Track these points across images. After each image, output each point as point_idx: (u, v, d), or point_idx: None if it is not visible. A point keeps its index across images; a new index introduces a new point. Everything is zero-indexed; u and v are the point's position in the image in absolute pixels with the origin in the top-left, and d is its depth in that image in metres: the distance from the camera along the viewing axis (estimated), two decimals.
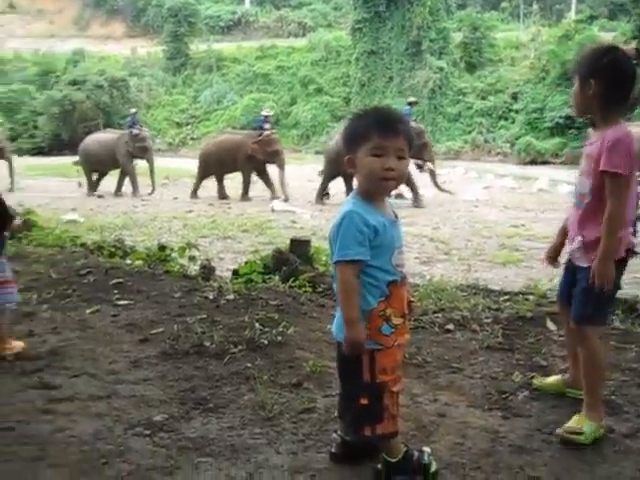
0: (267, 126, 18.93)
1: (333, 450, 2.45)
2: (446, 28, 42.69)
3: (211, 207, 16.09)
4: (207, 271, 5.99)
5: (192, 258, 6.20)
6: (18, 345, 3.65)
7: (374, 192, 2.28)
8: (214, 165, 18.54)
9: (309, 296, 4.86)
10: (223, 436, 2.65)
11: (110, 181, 20.52)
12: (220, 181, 18.94)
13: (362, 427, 2.26)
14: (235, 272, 6.08)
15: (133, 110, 23.73)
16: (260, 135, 18.37)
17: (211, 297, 4.80)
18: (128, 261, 6.32)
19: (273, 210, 15.06)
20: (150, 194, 19.14)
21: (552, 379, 3.13)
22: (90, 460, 2.44)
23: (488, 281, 6.79)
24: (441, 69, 41.00)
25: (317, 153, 33.89)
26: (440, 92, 40.78)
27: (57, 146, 45.40)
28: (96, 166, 20.66)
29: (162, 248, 6.66)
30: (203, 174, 19.01)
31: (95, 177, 20.98)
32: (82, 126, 46.01)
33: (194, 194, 18.80)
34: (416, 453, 2.31)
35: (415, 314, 4.17)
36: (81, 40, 62.42)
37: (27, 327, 4.11)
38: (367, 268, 2.20)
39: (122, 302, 4.71)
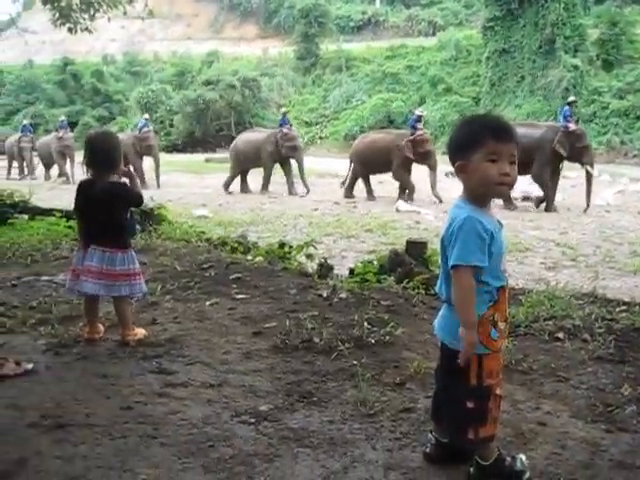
0: (419, 126, 18.18)
1: (427, 450, 2.48)
2: (582, 24, 40.81)
3: (337, 206, 16.25)
4: (324, 269, 6.12)
5: (309, 256, 6.35)
6: (141, 332, 3.89)
7: (487, 197, 2.31)
8: (367, 164, 18.10)
9: (422, 298, 4.87)
10: (323, 429, 2.74)
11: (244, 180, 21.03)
12: (367, 180, 18.60)
13: (466, 430, 2.27)
14: (351, 271, 6.18)
15: (284, 109, 24.05)
16: (412, 134, 17.77)
17: (324, 295, 4.91)
18: (249, 257, 6.55)
19: (397, 210, 15.04)
20: (307, 193, 18.93)
21: None
22: (197, 442, 2.59)
23: (616, 290, 6.55)
24: (576, 67, 39.28)
25: (444, 154, 33.41)
26: (574, 91, 39.06)
27: (191, 143, 47.45)
28: (244, 165, 20.51)
29: (282, 245, 6.85)
30: (359, 173, 18.49)
31: (231, 175, 20.69)
32: (215, 124, 47.86)
33: (349, 192, 18.53)
34: (509, 459, 2.30)
35: (525, 320, 4.11)
36: (216, 42, 64.83)
37: (151, 315, 4.37)
38: (481, 274, 2.22)
39: (240, 296, 4.90)
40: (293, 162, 20.01)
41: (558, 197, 16.14)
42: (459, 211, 2.24)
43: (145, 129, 23.01)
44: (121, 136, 22.88)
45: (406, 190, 17.51)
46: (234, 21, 71.85)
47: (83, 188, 3.97)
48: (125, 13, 12.06)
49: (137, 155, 22.05)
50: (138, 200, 4.02)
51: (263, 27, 68.57)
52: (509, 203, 15.07)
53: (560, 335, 3.90)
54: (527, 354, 3.62)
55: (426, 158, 17.30)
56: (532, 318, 4.17)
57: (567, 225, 12.85)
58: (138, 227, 7.40)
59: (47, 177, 26.21)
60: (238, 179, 20.59)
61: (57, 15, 11.77)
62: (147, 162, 22.51)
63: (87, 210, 3.95)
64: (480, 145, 2.20)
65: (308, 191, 19.11)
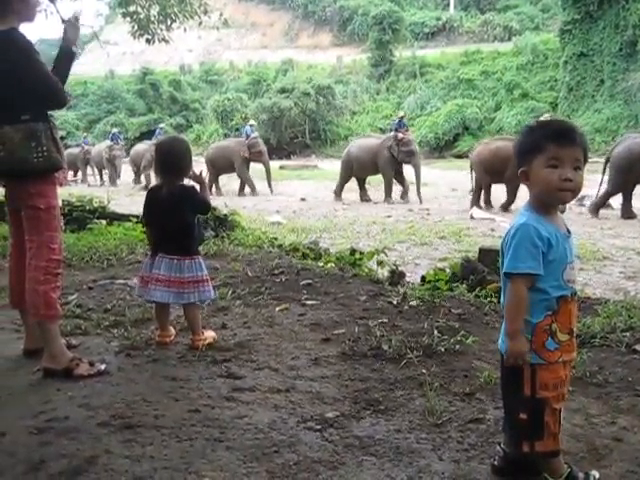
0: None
1: (495, 463, 2.41)
2: None
3: (410, 213, 16.12)
4: (396, 276, 6.07)
5: (380, 263, 6.31)
6: (210, 335, 3.93)
7: (550, 204, 2.25)
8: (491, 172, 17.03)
9: (494, 306, 4.77)
10: (389, 438, 2.70)
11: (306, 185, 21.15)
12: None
13: (521, 442, 2.23)
14: (423, 278, 6.11)
15: (401, 113, 23.43)
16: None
17: (395, 302, 4.88)
18: (320, 263, 6.57)
19: (472, 217, 14.83)
20: (420, 204, 17.85)
21: None
22: (263, 447, 2.59)
23: None
24: None
25: None
26: None
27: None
28: (357, 172, 19.84)
29: (353, 252, 6.84)
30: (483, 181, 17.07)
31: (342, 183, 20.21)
32: (289, 132, 48.31)
33: (475, 201, 16.77)
34: (581, 475, 2.22)
35: (601, 331, 3.97)
36: (290, 50, 65.50)
37: (221, 320, 4.42)
38: (538, 282, 2.16)
39: (310, 302, 4.91)
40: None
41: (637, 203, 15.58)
42: (519, 218, 2.21)
43: (253, 135, 22.98)
44: (228, 143, 23.71)
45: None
46: (308, 29, 72.41)
47: (151, 194, 4.03)
48: (201, 24, 12.35)
49: (245, 162, 22.21)
50: (204, 206, 4.02)
51: (337, 35, 68.84)
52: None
53: (638, 347, 3.74)
54: (602, 366, 3.49)
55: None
56: (609, 329, 4.02)
57: None
58: (210, 233, 7.53)
59: (136, 181, 27.01)
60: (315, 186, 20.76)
61: (136, 27, 12.16)
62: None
63: (154, 216, 4.01)
64: (540, 150, 2.15)
65: (420, 202, 18.03)
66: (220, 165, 22.58)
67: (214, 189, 22.17)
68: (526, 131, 2.27)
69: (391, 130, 20.10)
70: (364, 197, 19.84)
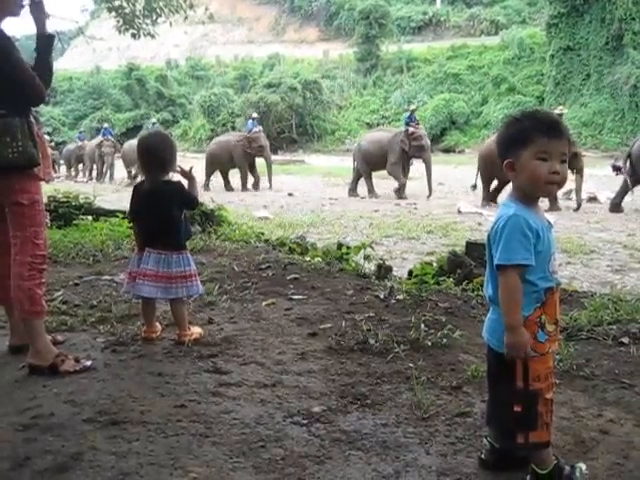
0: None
1: (482, 456, 2.41)
2: None
3: (397, 207, 16.15)
4: (383, 270, 6.07)
5: (367, 257, 6.31)
6: (197, 331, 3.91)
7: (535, 196, 2.25)
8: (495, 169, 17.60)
9: (481, 300, 4.77)
10: (376, 432, 2.70)
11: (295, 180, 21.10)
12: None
13: (515, 434, 2.22)
14: (410, 273, 6.12)
15: (413, 106, 22.87)
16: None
17: (381, 296, 4.88)
18: (307, 258, 6.55)
19: (460, 212, 14.86)
20: (429, 197, 17.86)
21: None
22: (249, 442, 2.58)
23: None
24: None
25: None
26: None
27: None
28: (373, 166, 19.42)
29: (339, 246, 6.83)
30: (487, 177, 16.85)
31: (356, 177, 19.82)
32: (276, 127, 48.25)
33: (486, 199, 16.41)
34: (567, 468, 2.22)
35: (588, 324, 3.98)
36: (277, 45, 65.41)
37: (207, 315, 4.40)
38: (527, 274, 2.16)
39: (296, 297, 4.90)
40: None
41: (627, 198, 15.68)
42: (506, 209, 2.19)
43: (255, 129, 22.65)
44: (229, 137, 23.36)
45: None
46: (295, 24, 72.30)
47: (136, 190, 4.02)
48: (186, 18, 12.29)
49: (247, 156, 21.84)
50: (190, 202, 3.99)
51: (324, 29, 68.79)
52: (554, 203, 14.33)
53: (625, 340, 3.76)
54: (589, 359, 3.50)
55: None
56: (595, 322, 4.04)
57: (636, 227, 12.45)
58: (197, 228, 7.50)
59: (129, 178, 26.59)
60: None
61: (121, 22, 12.09)
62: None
63: (140, 212, 3.98)
64: (530, 142, 2.14)
65: (430, 194, 17.96)
66: (221, 160, 22.24)
67: (221, 184, 21.97)
68: (511, 122, 2.25)
69: (405, 124, 19.61)
70: (371, 191, 19.35)
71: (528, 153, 2.15)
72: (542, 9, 50.29)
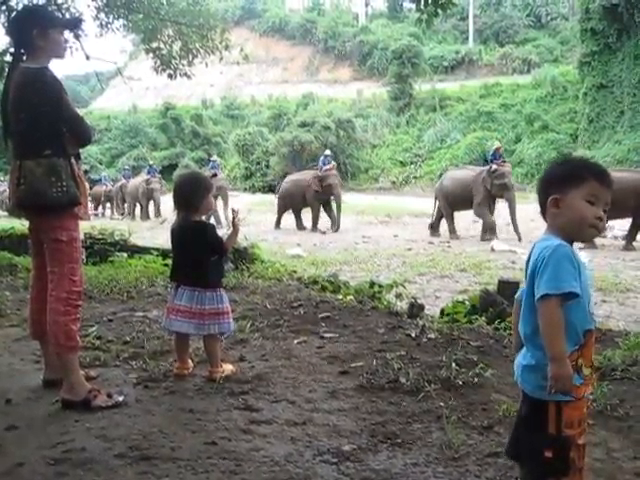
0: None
1: None
2: None
3: (431, 245, 16.08)
4: (415, 309, 6.05)
5: (399, 295, 6.30)
6: (228, 368, 3.94)
7: (575, 237, 2.21)
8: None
9: None
10: (407, 471, 2.68)
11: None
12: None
13: (545, 479, 2.17)
14: (442, 311, 6.10)
15: (497, 144, 21.02)
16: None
17: (413, 335, 4.86)
18: (339, 296, 6.56)
19: (493, 250, 14.73)
20: (520, 241, 16.03)
21: None
22: None
23: None
24: None
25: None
26: None
27: None
28: (456, 206, 18.49)
29: (372, 284, 6.84)
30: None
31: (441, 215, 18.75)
32: (310, 166, 48.54)
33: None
34: None
35: (622, 364, 3.92)
36: (311, 85, 66.05)
37: (239, 352, 4.42)
38: (568, 313, 2.09)
39: (328, 335, 4.91)
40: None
41: None
42: (548, 242, 2.13)
43: (326, 167, 21.24)
44: (300, 176, 22.43)
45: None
46: (329, 64, 73.13)
47: (172, 228, 4.14)
48: (222, 59, 12.54)
49: (317, 195, 20.55)
50: (216, 247, 4.00)
51: (357, 69, 69.42)
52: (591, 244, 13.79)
53: None
54: (624, 399, 3.44)
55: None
56: (630, 361, 3.98)
57: None
58: (230, 266, 7.55)
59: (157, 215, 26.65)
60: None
61: (158, 62, 12.39)
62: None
63: (174, 249, 4.15)
64: (582, 183, 2.13)
65: (519, 239, 16.16)
66: (294, 199, 21.26)
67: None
68: (562, 162, 2.29)
69: (490, 161, 18.34)
70: (453, 231, 18.32)
71: (579, 193, 2.13)
72: (574, 47, 50.26)
